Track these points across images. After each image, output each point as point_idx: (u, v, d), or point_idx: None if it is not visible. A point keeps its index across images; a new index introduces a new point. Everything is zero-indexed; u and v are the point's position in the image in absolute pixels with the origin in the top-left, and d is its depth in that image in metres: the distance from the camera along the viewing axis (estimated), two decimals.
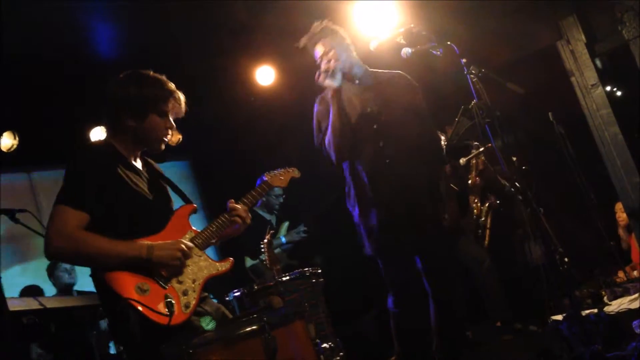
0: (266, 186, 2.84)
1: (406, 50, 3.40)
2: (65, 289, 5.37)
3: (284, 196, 5.60)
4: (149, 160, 2.72)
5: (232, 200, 2.67)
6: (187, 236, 2.52)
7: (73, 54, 4.69)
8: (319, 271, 4.39)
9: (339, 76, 3.24)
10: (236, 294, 4.19)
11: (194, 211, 2.62)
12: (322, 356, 3.93)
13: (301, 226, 5.48)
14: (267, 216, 5.59)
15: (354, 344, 5.17)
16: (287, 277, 4.18)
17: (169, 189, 2.70)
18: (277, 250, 5.15)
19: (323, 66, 3.28)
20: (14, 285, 5.36)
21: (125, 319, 2.25)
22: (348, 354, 4.23)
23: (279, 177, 2.93)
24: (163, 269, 2.37)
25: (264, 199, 5.56)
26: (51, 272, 5.48)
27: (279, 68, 5.80)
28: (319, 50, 3.37)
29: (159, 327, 2.26)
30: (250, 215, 2.68)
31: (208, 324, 2.32)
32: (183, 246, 2.42)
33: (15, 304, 3.68)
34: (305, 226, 5.48)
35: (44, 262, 5.61)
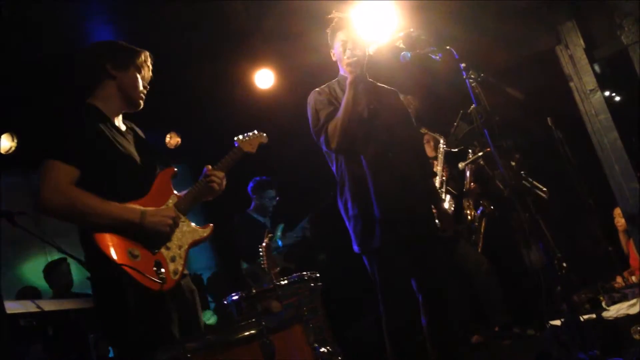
0: (238, 150, 2.88)
1: (405, 54, 3.42)
2: (62, 291, 5.36)
3: (277, 198, 5.59)
4: (132, 124, 2.75)
5: (209, 166, 2.72)
6: (170, 201, 2.55)
7: (73, 54, 4.68)
8: (317, 275, 4.38)
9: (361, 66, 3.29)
10: (234, 298, 4.17)
11: (175, 175, 2.67)
12: None
13: (305, 221, 5.47)
14: (262, 219, 5.57)
15: (353, 347, 5.16)
16: (286, 281, 4.17)
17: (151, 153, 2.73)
18: (273, 253, 5.14)
19: (351, 51, 3.27)
20: (11, 288, 5.35)
21: (117, 285, 2.21)
22: (347, 358, 4.22)
23: (249, 143, 2.97)
24: (152, 236, 2.38)
25: (257, 201, 5.56)
26: (48, 274, 5.47)
27: (278, 71, 5.80)
28: (344, 35, 3.37)
29: (151, 293, 2.26)
30: (225, 181, 2.72)
31: (209, 318, 2.33)
32: (174, 214, 2.46)
33: (13, 307, 3.67)
34: (309, 222, 5.47)
35: (42, 264, 5.60)
